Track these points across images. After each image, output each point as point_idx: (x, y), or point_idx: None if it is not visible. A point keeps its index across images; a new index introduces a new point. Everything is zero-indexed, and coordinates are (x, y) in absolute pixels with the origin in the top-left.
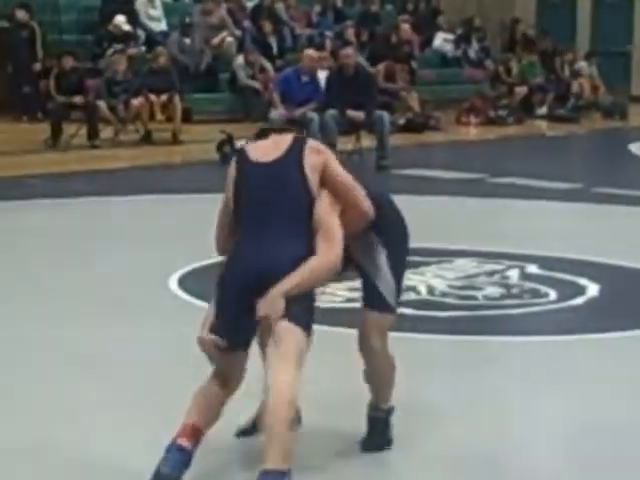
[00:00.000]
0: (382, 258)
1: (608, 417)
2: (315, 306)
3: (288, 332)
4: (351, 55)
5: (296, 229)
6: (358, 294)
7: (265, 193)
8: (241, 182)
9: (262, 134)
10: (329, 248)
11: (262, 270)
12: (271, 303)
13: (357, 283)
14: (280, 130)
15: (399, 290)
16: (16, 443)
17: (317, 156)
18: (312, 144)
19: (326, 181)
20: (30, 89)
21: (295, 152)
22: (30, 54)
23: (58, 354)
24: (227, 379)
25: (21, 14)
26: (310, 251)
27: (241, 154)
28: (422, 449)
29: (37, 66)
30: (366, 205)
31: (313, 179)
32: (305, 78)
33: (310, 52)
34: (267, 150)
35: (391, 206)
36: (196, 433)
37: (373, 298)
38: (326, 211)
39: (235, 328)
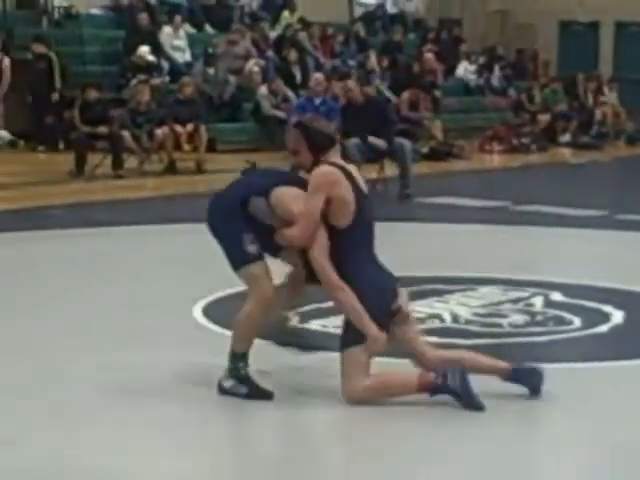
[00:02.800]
0: None
1: (635, 443)
2: None
3: None
4: (352, 88)
5: None
6: None
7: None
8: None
9: None
10: None
11: None
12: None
13: None
14: None
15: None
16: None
17: None
18: None
19: None
20: (52, 120)
21: None
22: (49, 85)
23: (87, 383)
24: None
25: (38, 47)
26: None
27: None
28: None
29: (55, 96)
30: None
31: None
32: (318, 100)
33: (316, 75)
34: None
35: None
36: None
37: None
38: None
39: None
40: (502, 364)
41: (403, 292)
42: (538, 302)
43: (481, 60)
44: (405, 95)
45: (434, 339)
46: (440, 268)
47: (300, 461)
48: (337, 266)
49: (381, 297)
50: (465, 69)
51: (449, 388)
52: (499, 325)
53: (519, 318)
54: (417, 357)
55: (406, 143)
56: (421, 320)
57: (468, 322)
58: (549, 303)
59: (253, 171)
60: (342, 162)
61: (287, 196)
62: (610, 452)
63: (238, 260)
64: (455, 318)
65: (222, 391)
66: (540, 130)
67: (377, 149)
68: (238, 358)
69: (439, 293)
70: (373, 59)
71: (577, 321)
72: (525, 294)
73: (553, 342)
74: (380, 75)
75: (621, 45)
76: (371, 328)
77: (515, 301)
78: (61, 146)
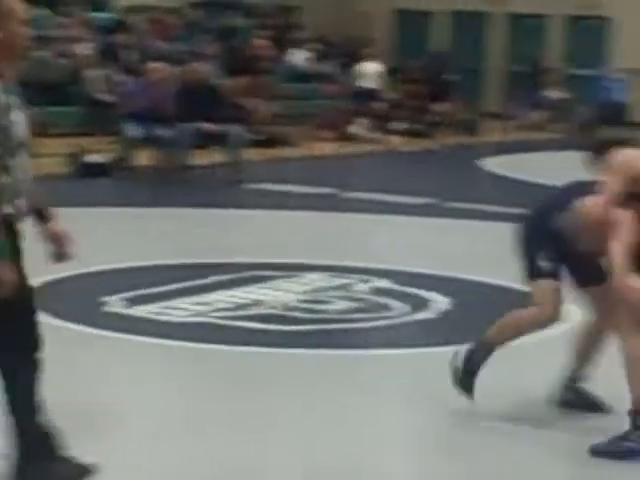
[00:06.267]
0: None
1: (457, 428)
2: None
3: None
4: (198, 70)
5: None
6: (205, 308)
7: None
8: None
9: None
10: None
11: None
12: None
13: (205, 297)
14: None
15: None
16: None
17: None
18: None
19: None
20: None
21: None
22: None
23: None
24: None
25: None
26: None
27: None
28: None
29: None
30: None
31: None
32: (152, 92)
33: (153, 66)
34: None
35: None
36: None
37: None
38: None
39: None
40: None
41: None
42: (363, 289)
43: (316, 47)
44: (238, 81)
45: (259, 325)
46: (267, 254)
47: None
48: None
49: None
50: (300, 56)
51: None
52: (323, 311)
53: (344, 305)
54: None
55: (237, 129)
56: (246, 306)
57: (293, 308)
58: (374, 290)
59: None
60: None
61: (589, 201)
62: (434, 442)
63: (529, 272)
64: (280, 304)
65: None
66: (373, 118)
67: (209, 134)
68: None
69: (265, 279)
70: (211, 44)
71: (402, 307)
72: (350, 281)
73: (377, 328)
74: (214, 61)
75: (456, 34)
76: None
77: (340, 288)
78: None
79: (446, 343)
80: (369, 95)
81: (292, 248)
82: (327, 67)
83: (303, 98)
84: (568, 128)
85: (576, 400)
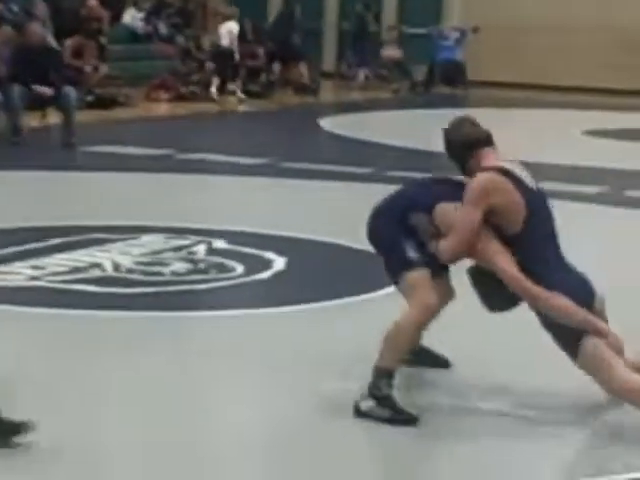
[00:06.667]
0: None
1: (310, 389)
2: None
3: None
4: (37, 31)
5: None
6: (40, 272)
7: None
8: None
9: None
10: None
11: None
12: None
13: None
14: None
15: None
16: None
17: None
18: None
19: None
20: None
21: None
22: None
23: None
24: None
25: None
26: None
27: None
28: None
29: None
30: None
31: None
32: None
33: None
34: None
35: None
36: None
37: None
38: None
39: None
40: None
41: (600, 295)
42: (201, 250)
43: (148, 7)
44: (69, 42)
45: (94, 288)
46: (102, 217)
47: None
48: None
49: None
50: (132, 16)
51: None
52: (161, 273)
53: (181, 266)
54: None
55: (71, 91)
56: (82, 269)
57: (129, 271)
58: (212, 251)
59: (421, 182)
60: (501, 163)
61: (451, 213)
62: (282, 405)
63: (398, 267)
64: (116, 267)
65: (359, 414)
66: (208, 78)
67: (41, 96)
68: (382, 375)
69: (101, 242)
70: (40, 5)
71: (239, 268)
72: (188, 242)
73: (215, 289)
74: (45, 22)
75: None
76: (596, 321)
77: (177, 249)
78: None
79: (281, 303)
80: (228, 54)
81: (128, 210)
82: (161, 27)
83: (137, 59)
84: (404, 87)
85: (418, 358)
